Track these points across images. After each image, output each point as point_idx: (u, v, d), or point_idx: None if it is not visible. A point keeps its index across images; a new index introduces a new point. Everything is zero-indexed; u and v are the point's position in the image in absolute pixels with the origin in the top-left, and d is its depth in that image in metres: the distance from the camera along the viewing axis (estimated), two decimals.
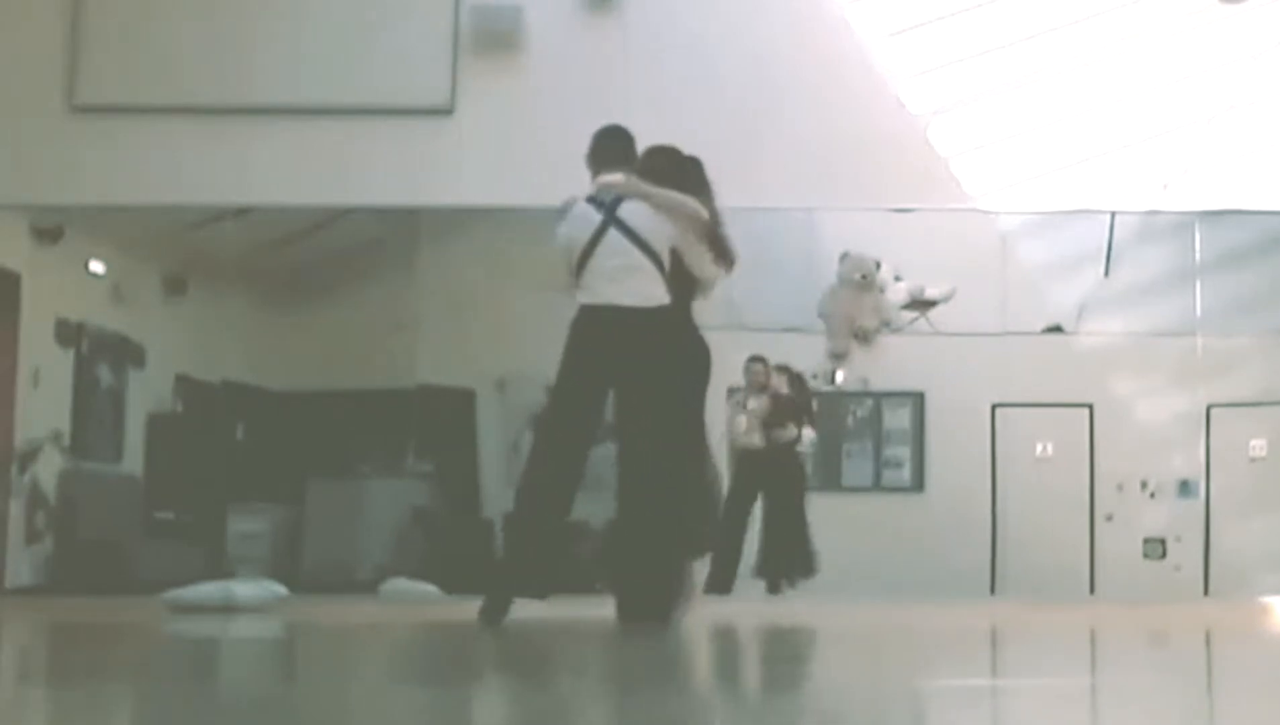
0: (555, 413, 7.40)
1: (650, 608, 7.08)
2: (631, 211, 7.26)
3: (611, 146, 7.52)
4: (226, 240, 13.78)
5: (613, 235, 7.22)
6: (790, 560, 12.58)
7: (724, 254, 7.58)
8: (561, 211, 7.43)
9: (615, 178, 7.36)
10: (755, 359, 12.53)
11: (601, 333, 7.17)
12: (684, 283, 7.46)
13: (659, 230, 7.25)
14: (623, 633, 6.86)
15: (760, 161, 10.78)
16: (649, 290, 7.21)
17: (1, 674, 5.19)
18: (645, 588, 7.14)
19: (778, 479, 12.55)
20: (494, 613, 7.07)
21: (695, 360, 7.56)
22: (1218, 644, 6.93)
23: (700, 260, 7.44)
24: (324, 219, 14.49)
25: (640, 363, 7.16)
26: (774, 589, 12.55)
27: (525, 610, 7.23)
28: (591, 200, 7.35)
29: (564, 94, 10.92)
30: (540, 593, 7.23)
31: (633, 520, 7.18)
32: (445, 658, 5.78)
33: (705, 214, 7.40)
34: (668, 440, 7.23)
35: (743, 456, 12.34)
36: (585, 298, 7.23)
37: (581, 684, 4.63)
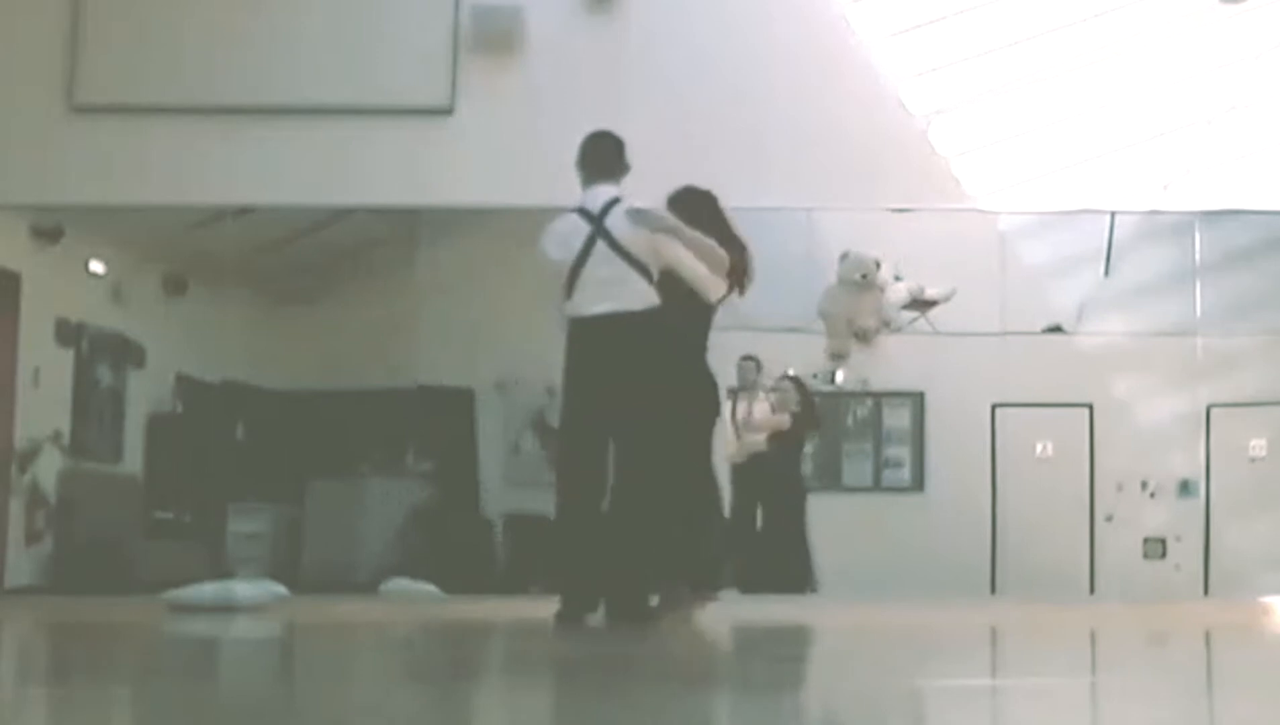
0: (569, 430, 7.42)
1: (635, 609, 7.20)
2: (617, 223, 7.31)
3: (602, 153, 7.56)
4: (226, 240, 13.78)
5: (601, 247, 7.31)
6: (790, 570, 12.49)
7: (743, 277, 7.72)
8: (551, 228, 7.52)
9: (666, 221, 7.44)
10: (747, 357, 12.59)
11: (597, 341, 7.25)
12: (698, 314, 7.57)
13: (641, 240, 7.33)
14: (610, 633, 6.87)
15: (760, 161, 10.78)
16: (639, 294, 7.29)
17: (1, 674, 5.19)
18: (632, 589, 7.24)
19: (777, 486, 12.57)
20: (571, 617, 7.15)
21: (705, 394, 7.75)
22: (1218, 644, 6.93)
23: (702, 281, 7.54)
24: (324, 219, 14.49)
25: (637, 365, 7.23)
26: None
27: (532, 610, 7.24)
28: (580, 211, 7.41)
29: (564, 94, 10.91)
30: (590, 607, 7.27)
31: (624, 521, 7.26)
32: (445, 658, 5.78)
33: (726, 257, 7.56)
34: (664, 444, 7.35)
35: (746, 462, 12.38)
36: (576, 310, 7.32)
37: (576, 683, 4.63)
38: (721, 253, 7.61)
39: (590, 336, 7.29)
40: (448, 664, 5.44)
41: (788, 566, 12.43)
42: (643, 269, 7.31)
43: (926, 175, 11.31)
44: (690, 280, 7.50)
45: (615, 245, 7.28)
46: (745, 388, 12.57)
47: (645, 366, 7.25)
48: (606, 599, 7.31)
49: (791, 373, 13.19)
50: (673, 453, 7.40)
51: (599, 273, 7.29)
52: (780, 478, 12.61)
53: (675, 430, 7.42)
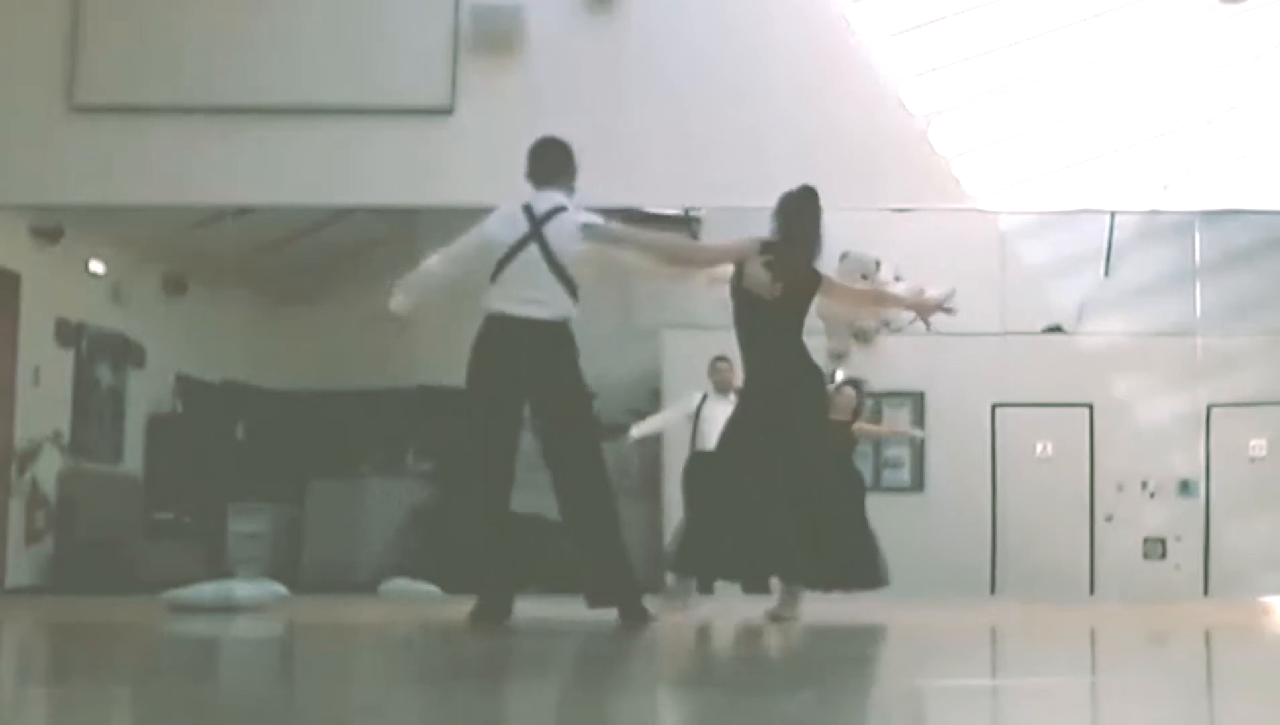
0: (476, 426, 7.41)
1: (638, 609, 7.23)
2: (557, 233, 7.29)
3: (550, 160, 7.58)
4: (226, 240, 13.78)
5: (533, 250, 7.31)
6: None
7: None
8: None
9: (606, 224, 7.45)
10: (721, 358, 12.23)
11: (510, 343, 7.27)
12: (791, 303, 7.50)
13: (580, 253, 7.33)
14: (615, 630, 6.88)
15: (760, 161, 10.77)
16: (556, 304, 7.29)
17: (1, 674, 5.19)
18: (633, 590, 7.29)
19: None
20: (487, 617, 7.15)
21: (811, 380, 7.69)
22: (1218, 644, 6.93)
23: (663, 281, 7.56)
24: (324, 219, 14.48)
25: (550, 371, 7.23)
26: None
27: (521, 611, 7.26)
28: (525, 209, 7.41)
29: (564, 94, 10.91)
30: (504, 614, 7.29)
31: (579, 524, 7.28)
32: (445, 658, 5.78)
33: (701, 250, 7.52)
34: (589, 443, 7.40)
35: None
36: (493, 307, 7.34)
37: (573, 683, 4.63)
38: (686, 244, 7.61)
39: (506, 336, 7.27)
40: (448, 664, 5.44)
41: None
42: (568, 281, 7.31)
43: (926, 175, 11.31)
44: (652, 279, 7.53)
45: (548, 254, 7.29)
46: (720, 390, 11.53)
47: (561, 373, 7.27)
48: (607, 599, 7.32)
49: (842, 376, 13.12)
50: (582, 422, 7.38)
51: (524, 276, 7.29)
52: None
53: (578, 400, 7.38)
